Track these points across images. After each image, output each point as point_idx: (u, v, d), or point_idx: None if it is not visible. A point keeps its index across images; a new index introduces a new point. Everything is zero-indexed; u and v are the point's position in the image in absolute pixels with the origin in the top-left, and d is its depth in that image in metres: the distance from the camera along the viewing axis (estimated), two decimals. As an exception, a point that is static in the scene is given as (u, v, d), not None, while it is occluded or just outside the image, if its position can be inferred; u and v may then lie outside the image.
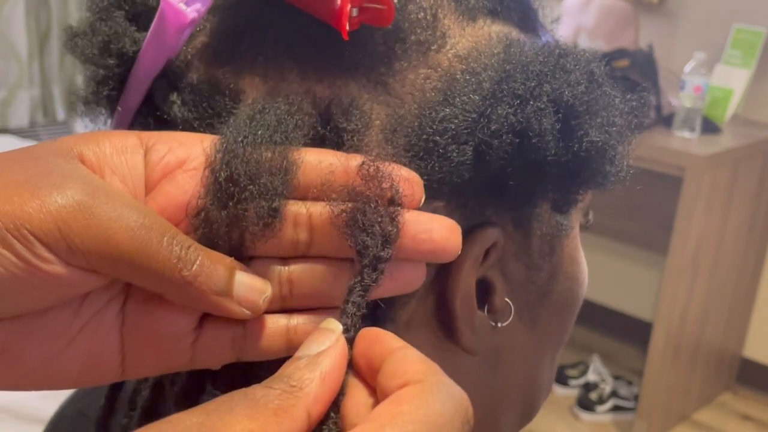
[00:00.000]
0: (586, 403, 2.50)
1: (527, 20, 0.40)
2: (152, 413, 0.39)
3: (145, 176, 0.32)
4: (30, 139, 3.08)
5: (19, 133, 3.09)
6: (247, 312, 0.31)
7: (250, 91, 0.35)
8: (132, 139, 0.32)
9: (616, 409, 2.51)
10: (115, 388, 0.43)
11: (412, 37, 0.35)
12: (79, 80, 0.39)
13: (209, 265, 0.30)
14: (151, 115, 0.36)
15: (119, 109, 0.37)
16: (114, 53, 0.36)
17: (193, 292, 0.29)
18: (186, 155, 0.32)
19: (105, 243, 0.28)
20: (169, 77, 0.36)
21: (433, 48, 0.36)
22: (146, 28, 0.36)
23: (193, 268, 0.29)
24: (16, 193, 0.28)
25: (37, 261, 0.28)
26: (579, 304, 0.45)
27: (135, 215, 0.29)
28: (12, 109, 3.11)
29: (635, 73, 2.30)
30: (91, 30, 0.37)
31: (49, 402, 1.61)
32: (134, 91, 0.36)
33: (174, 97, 0.36)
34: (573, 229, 0.43)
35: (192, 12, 0.34)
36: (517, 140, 0.34)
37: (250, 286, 0.31)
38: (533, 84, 0.35)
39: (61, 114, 3.17)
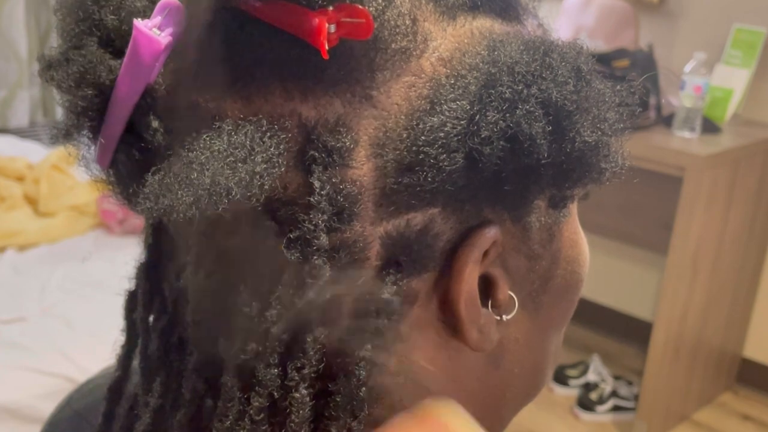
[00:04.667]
0: (586, 403, 2.50)
1: (509, 8, 0.39)
2: None
3: None
4: (30, 139, 3.08)
5: (19, 133, 3.09)
6: None
7: (233, 114, 0.34)
8: None
9: (616, 409, 2.51)
10: (115, 393, 0.43)
11: (393, 46, 0.34)
12: None
13: None
14: (135, 145, 0.35)
15: (101, 140, 0.36)
16: (90, 83, 0.35)
17: None
18: None
19: None
20: (149, 104, 0.35)
21: (415, 54, 0.35)
22: (121, 54, 0.35)
23: None
24: None
25: None
26: (582, 283, 0.44)
27: None
28: (12, 109, 3.11)
29: (635, 73, 2.30)
30: (65, 59, 0.36)
31: (49, 402, 1.61)
32: (115, 121, 0.35)
33: (156, 124, 0.35)
34: (571, 213, 0.42)
35: (165, 37, 0.33)
36: (509, 145, 0.34)
37: None
38: (521, 87, 0.34)
39: (60, 114, 3.16)
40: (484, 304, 0.38)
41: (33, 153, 2.80)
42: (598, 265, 2.86)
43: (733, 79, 2.42)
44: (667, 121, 2.33)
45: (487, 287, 0.38)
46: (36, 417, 1.64)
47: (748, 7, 2.52)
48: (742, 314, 2.62)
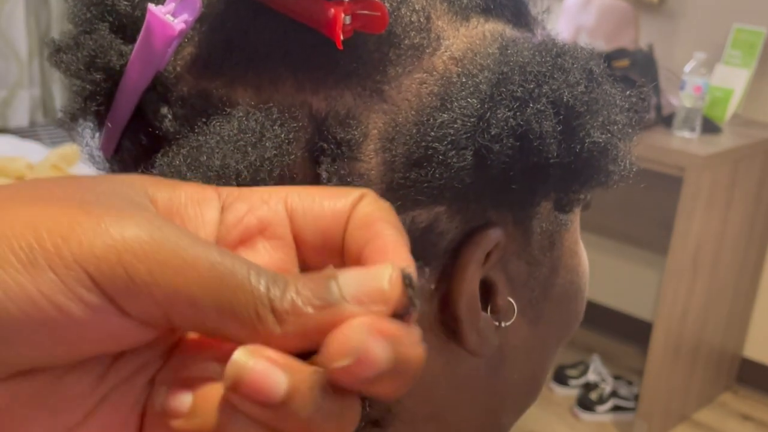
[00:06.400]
0: (586, 403, 2.50)
1: (520, 15, 0.39)
2: None
3: (219, 236, 0.27)
4: (30, 139, 3.08)
5: (19, 133, 3.09)
6: (374, 308, 0.23)
7: (244, 103, 0.34)
8: (209, 192, 0.27)
9: (616, 409, 2.51)
10: None
11: (406, 42, 0.35)
12: None
13: (305, 286, 0.23)
14: (142, 131, 0.35)
15: (108, 124, 0.36)
16: (100, 68, 0.35)
17: (291, 324, 0.23)
18: (269, 218, 0.27)
19: (177, 278, 0.22)
20: (159, 90, 0.35)
21: (427, 51, 0.35)
22: (132, 40, 0.35)
23: (288, 296, 0.23)
24: (64, 213, 0.22)
25: (70, 300, 0.22)
26: (582, 295, 0.44)
27: (214, 250, 0.23)
28: (12, 109, 3.11)
29: (635, 73, 2.30)
30: (75, 44, 0.36)
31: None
32: (123, 106, 0.35)
33: (165, 110, 0.35)
34: (573, 223, 0.42)
35: (179, 23, 0.33)
36: (518, 143, 0.34)
37: (360, 278, 0.23)
38: (532, 86, 0.34)
39: (60, 114, 3.17)
40: (484, 309, 0.37)
41: (33, 153, 2.79)
42: (598, 265, 2.87)
43: (733, 79, 2.42)
44: (667, 121, 2.34)
45: (487, 292, 0.38)
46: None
47: (748, 7, 2.52)
48: (742, 314, 2.62)
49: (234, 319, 0.23)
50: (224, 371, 0.22)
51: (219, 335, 0.24)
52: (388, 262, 0.24)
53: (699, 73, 2.29)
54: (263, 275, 0.23)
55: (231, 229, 0.26)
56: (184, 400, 0.24)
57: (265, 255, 0.27)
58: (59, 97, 3.19)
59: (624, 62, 2.33)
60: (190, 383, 0.24)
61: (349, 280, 0.23)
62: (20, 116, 3.14)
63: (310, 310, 0.23)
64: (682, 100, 2.29)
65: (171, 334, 0.26)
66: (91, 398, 0.25)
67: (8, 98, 3.08)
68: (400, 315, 0.23)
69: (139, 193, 0.25)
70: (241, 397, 0.22)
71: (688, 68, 2.32)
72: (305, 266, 0.27)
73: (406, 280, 0.24)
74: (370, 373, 0.22)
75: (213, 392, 0.24)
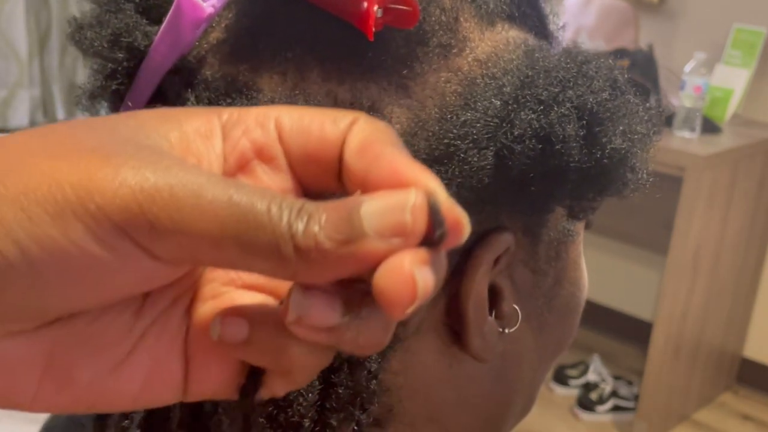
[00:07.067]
0: (586, 403, 2.50)
1: (542, 26, 0.40)
2: None
3: (223, 168, 0.26)
4: (30, 139, 3.08)
5: (19, 133, 3.09)
6: (395, 241, 0.22)
7: (269, 89, 0.34)
8: (214, 121, 0.26)
9: (616, 409, 2.51)
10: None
11: (434, 40, 0.35)
12: (79, 80, 0.38)
13: (329, 218, 0.22)
14: None
15: (129, 104, 0.36)
16: (124, 47, 0.35)
17: (314, 260, 0.22)
18: (263, 139, 0.26)
19: (197, 222, 0.22)
20: (182, 73, 0.35)
21: (453, 51, 0.35)
22: (158, 22, 0.35)
23: (310, 231, 0.22)
24: (82, 161, 0.22)
25: (101, 248, 0.22)
26: (581, 309, 0.45)
27: (231, 188, 0.23)
28: (12, 109, 3.11)
29: (635, 73, 2.30)
30: (99, 22, 0.36)
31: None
32: (145, 87, 0.35)
33: (187, 94, 0.35)
34: (578, 235, 0.43)
35: (209, 6, 0.34)
36: (540, 146, 0.34)
37: (382, 209, 0.22)
38: (557, 90, 0.35)
39: (61, 114, 3.17)
40: (489, 314, 0.37)
41: (33, 153, 2.79)
42: (598, 265, 2.87)
43: (733, 79, 2.42)
44: (667, 121, 2.33)
45: (493, 298, 0.38)
46: (35, 417, 1.64)
47: (748, 7, 2.52)
48: (742, 314, 2.62)
49: (258, 257, 0.22)
50: (281, 307, 0.23)
51: (248, 271, 0.24)
52: (410, 187, 0.23)
53: (699, 73, 2.29)
54: (285, 208, 0.22)
55: (228, 156, 0.26)
56: (241, 329, 0.25)
57: (266, 179, 0.26)
58: (59, 97, 3.19)
59: (624, 62, 2.33)
60: (242, 311, 0.26)
61: (371, 212, 0.22)
62: (20, 116, 3.13)
63: (332, 245, 0.22)
64: (682, 100, 2.29)
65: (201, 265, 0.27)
66: (131, 336, 0.26)
67: (8, 98, 3.08)
68: (429, 243, 0.23)
69: (152, 135, 0.25)
70: (303, 329, 0.23)
71: (688, 68, 2.33)
72: (306, 189, 0.27)
73: (433, 207, 0.22)
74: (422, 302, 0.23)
75: (268, 318, 0.25)
